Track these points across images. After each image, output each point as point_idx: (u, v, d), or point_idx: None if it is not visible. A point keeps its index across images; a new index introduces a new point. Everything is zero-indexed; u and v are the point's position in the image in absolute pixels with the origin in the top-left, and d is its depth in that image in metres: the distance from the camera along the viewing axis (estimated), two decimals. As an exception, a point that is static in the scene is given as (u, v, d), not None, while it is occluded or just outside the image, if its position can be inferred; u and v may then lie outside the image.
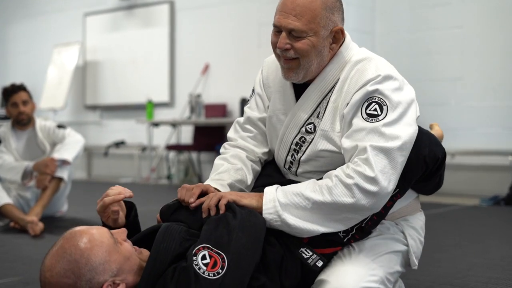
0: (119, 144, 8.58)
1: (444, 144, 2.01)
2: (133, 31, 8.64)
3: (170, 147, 7.78)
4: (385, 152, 1.76)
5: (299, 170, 2.02)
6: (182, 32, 8.20)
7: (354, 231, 1.87)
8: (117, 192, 1.85)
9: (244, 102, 7.10)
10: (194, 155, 7.91)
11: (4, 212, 3.87)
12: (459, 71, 6.24)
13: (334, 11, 1.90)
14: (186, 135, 8.05)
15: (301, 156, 1.99)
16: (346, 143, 1.83)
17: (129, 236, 1.76)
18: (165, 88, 8.28)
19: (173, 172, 8.02)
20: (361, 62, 1.92)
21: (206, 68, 7.89)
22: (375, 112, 1.81)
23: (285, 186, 1.84)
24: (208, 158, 7.81)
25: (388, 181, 1.76)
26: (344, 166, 1.80)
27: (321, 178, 1.87)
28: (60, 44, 9.19)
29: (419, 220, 2.10)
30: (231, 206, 1.80)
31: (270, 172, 2.14)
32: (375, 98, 1.82)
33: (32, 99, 4.28)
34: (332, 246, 1.89)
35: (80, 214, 4.57)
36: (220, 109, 7.58)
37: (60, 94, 8.73)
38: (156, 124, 7.95)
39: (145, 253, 1.71)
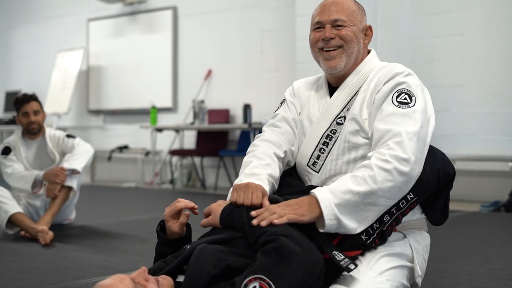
0: (122, 148, 8.64)
1: (444, 149, 2.13)
2: (136, 37, 8.70)
3: (173, 152, 7.85)
4: (417, 137, 1.95)
5: (326, 162, 2.13)
6: (185, 38, 8.26)
7: (375, 235, 1.98)
8: (188, 201, 2.04)
9: (246, 107, 7.17)
10: (197, 160, 7.97)
11: (14, 221, 3.93)
12: (460, 78, 6.30)
13: (364, 13, 2.23)
14: (189, 140, 8.11)
15: (331, 147, 2.13)
16: (379, 125, 2.00)
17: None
18: (168, 93, 8.35)
19: (176, 176, 8.09)
20: (388, 65, 2.16)
21: (209, 74, 7.96)
22: (406, 101, 2.02)
23: (330, 186, 1.92)
24: (211, 163, 7.88)
25: (417, 164, 1.93)
26: (377, 154, 1.92)
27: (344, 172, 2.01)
28: (64, 49, 9.25)
29: (425, 238, 2.20)
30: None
31: (289, 182, 2.22)
32: (405, 90, 2.04)
33: (43, 109, 4.35)
34: (355, 249, 1.97)
35: (87, 222, 4.63)
36: (223, 115, 7.64)
37: (64, 99, 8.80)
38: (159, 130, 8.02)
39: (168, 281, 1.79)
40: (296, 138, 2.28)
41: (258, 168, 2.12)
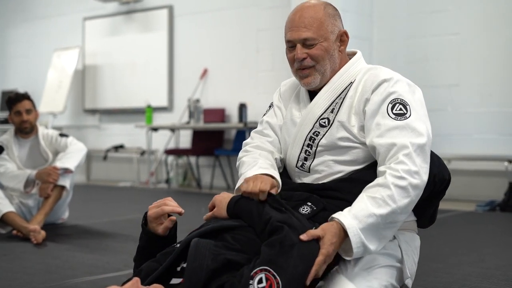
0: (118, 148, 8.62)
1: (440, 149, 2.12)
2: (132, 36, 8.68)
3: (168, 152, 7.82)
4: (421, 148, 1.94)
5: (314, 163, 2.12)
6: (181, 37, 8.24)
7: None
8: (176, 204, 2.00)
9: (242, 107, 7.16)
10: (192, 159, 7.95)
11: (6, 220, 3.91)
12: (455, 77, 6.29)
13: (336, 18, 2.15)
14: (185, 140, 8.09)
15: (316, 149, 2.11)
16: (381, 140, 1.97)
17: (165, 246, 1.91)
18: (164, 92, 8.32)
19: (171, 176, 8.06)
20: (373, 68, 2.13)
21: (204, 73, 7.94)
22: (402, 112, 1.99)
23: (352, 210, 1.87)
24: (206, 163, 7.86)
25: (425, 173, 1.94)
26: (391, 171, 1.90)
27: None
28: (60, 48, 9.23)
29: (415, 240, 2.19)
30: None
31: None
32: (398, 100, 2.01)
33: (36, 108, 4.33)
34: None
35: (81, 221, 4.61)
36: (219, 114, 7.62)
37: (60, 98, 8.77)
38: (155, 129, 7.99)
39: None
40: (281, 140, 2.27)
41: (265, 164, 2.14)
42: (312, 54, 2.09)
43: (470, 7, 6.22)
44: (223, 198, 2.02)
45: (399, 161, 1.90)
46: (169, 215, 2.03)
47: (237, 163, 2.27)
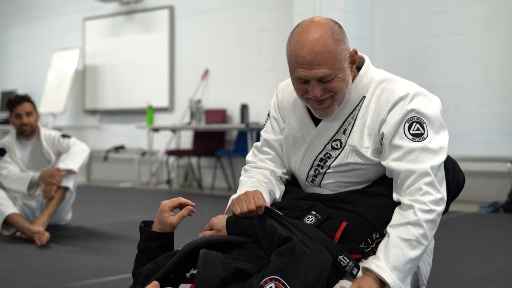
0: (118, 148, 8.60)
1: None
2: (132, 36, 8.66)
3: (170, 152, 7.81)
4: (439, 168, 1.95)
5: (323, 182, 2.10)
6: (182, 37, 8.23)
7: (374, 245, 1.98)
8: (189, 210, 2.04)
9: (244, 107, 7.14)
10: (193, 160, 7.94)
11: (10, 222, 3.89)
12: (458, 78, 6.28)
13: (344, 39, 1.98)
14: (186, 140, 8.08)
15: (326, 170, 2.08)
16: (400, 165, 1.93)
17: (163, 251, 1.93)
18: (165, 93, 8.31)
19: (172, 177, 8.05)
20: (385, 81, 2.03)
21: (205, 74, 7.92)
22: (419, 132, 1.94)
23: (391, 259, 1.86)
24: (207, 163, 7.85)
25: (445, 190, 1.96)
26: (419, 205, 1.88)
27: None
28: (60, 49, 9.20)
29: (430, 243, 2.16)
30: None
31: (289, 189, 2.22)
32: (414, 118, 1.95)
33: (36, 110, 4.30)
34: (355, 253, 1.97)
35: (83, 223, 4.59)
36: (220, 115, 7.61)
37: (60, 99, 8.75)
38: (156, 130, 7.98)
39: None
40: (285, 154, 2.22)
41: (258, 184, 2.11)
42: (331, 88, 1.94)
43: (472, 7, 6.21)
44: (220, 219, 2.00)
45: (424, 192, 1.89)
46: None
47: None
